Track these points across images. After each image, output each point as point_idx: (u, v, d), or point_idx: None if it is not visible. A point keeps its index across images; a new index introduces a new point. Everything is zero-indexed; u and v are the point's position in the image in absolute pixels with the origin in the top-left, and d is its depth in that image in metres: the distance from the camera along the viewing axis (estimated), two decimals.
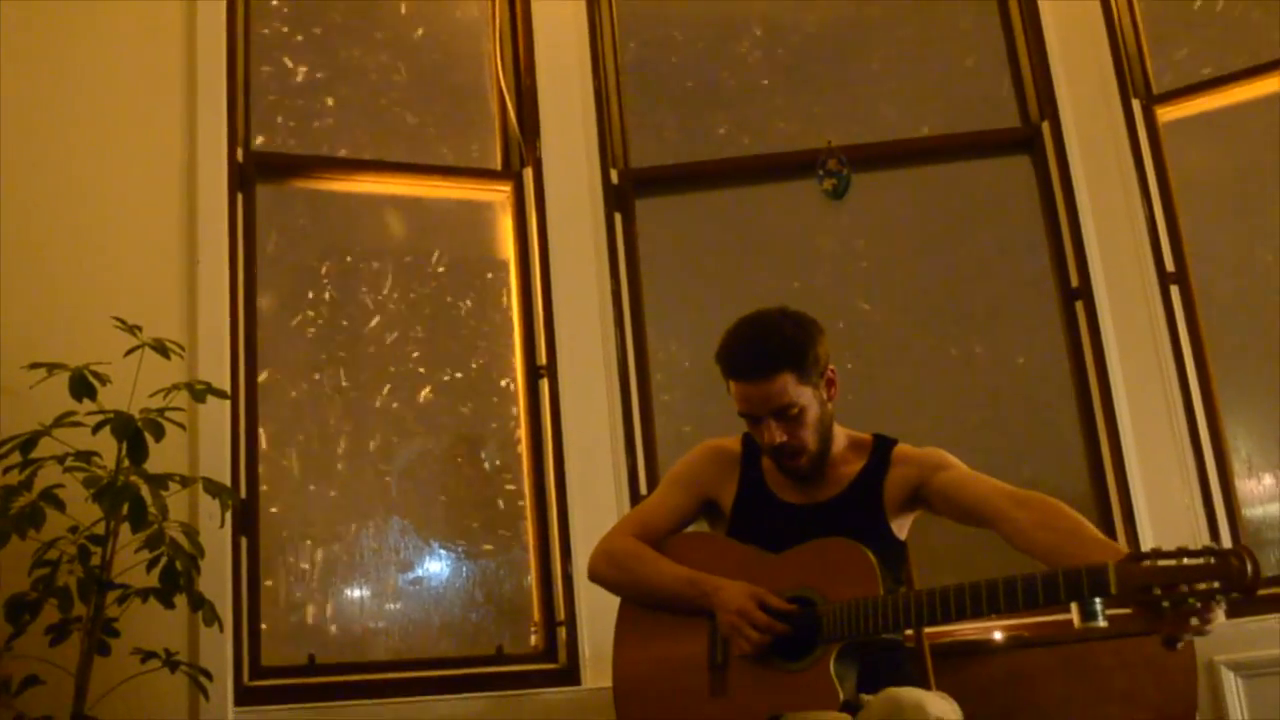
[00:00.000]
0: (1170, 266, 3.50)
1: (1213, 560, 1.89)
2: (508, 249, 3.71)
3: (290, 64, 3.65)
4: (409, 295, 3.58)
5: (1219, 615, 1.98)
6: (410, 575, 3.43)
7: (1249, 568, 1.86)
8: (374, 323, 3.56)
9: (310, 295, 3.49)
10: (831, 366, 2.45)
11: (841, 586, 2.24)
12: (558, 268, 3.59)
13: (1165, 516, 3.25)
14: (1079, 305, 3.55)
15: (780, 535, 2.41)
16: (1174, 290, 3.49)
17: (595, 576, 2.56)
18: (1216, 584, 1.88)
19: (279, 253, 3.47)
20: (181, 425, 2.84)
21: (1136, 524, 3.29)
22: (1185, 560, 1.91)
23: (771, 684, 2.26)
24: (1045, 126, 3.63)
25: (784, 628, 2.24)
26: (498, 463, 3.60)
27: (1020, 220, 3.67)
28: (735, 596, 2.29)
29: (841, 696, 2.14)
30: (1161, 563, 1.92)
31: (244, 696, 3.04)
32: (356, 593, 3.41)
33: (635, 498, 3.39)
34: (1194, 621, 1.90)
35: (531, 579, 3.45)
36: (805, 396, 2.38)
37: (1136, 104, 3.59)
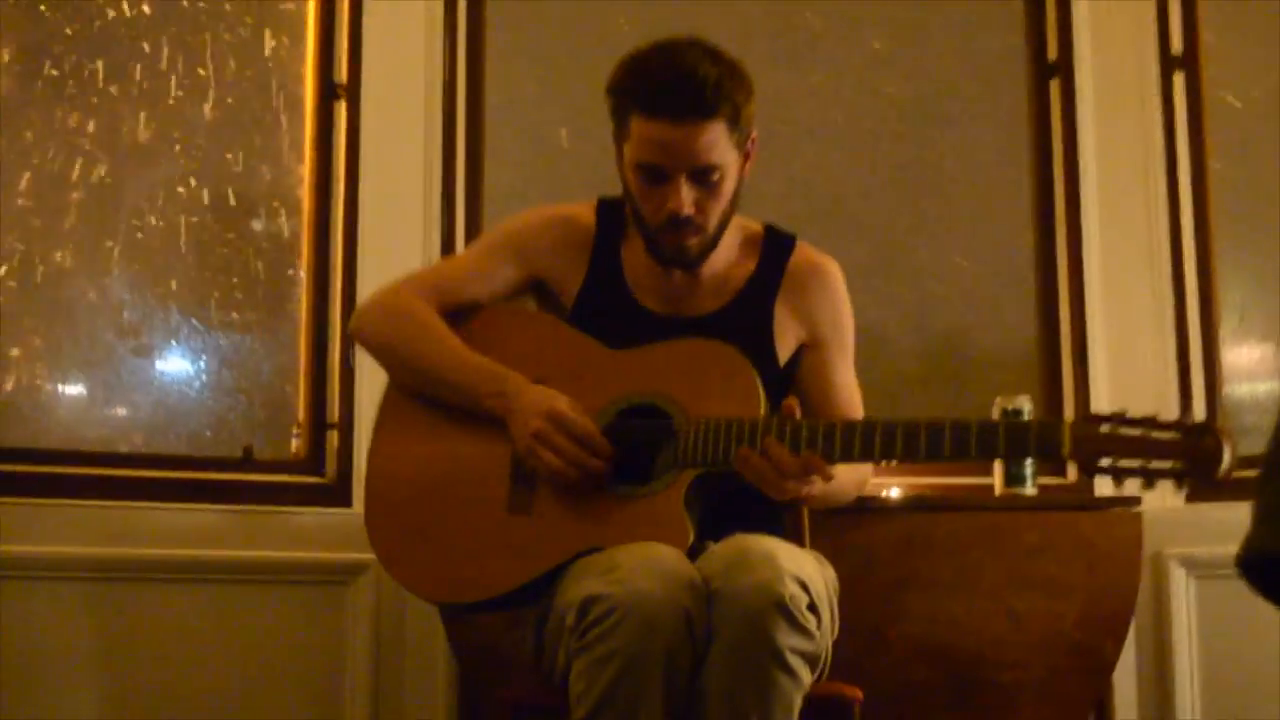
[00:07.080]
0: (1177, 49, 3.00)
1: (1180, 437, 1.79)
2: None
3: None
4: None
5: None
6: (133, 344, 2.88)
7: (1225, 456, 1.74)
8: (128, 11, 2.98)
9: None
10: (755, 134, 2.20)
11: (710, 401, 2.03)
12: None
13: (1128, 379, 2.94)
14: (1054, 83, 3.07)
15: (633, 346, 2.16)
16: (1177, 78, 2.98)
17: (359, 331, 2.26)
18: (1180, 464, 1.79)
19: None
20: None
21: (1090, 386, 2.98)
22: (1153, 432, 1.81)
23: (598, 508, 2.02)
24: None
25: (599, 459, 2.03)
26: (270, 209, 3.06)
27: None
28: (533, 404, 2.04)
29: (692, 537, 1.93)
30: (1124, 430, 1.83)
31: None
32: (57, 358, 2.87)
33: None
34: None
35: (300, 367, 2.96)
36: (730, 160, 2.12)
37: None
